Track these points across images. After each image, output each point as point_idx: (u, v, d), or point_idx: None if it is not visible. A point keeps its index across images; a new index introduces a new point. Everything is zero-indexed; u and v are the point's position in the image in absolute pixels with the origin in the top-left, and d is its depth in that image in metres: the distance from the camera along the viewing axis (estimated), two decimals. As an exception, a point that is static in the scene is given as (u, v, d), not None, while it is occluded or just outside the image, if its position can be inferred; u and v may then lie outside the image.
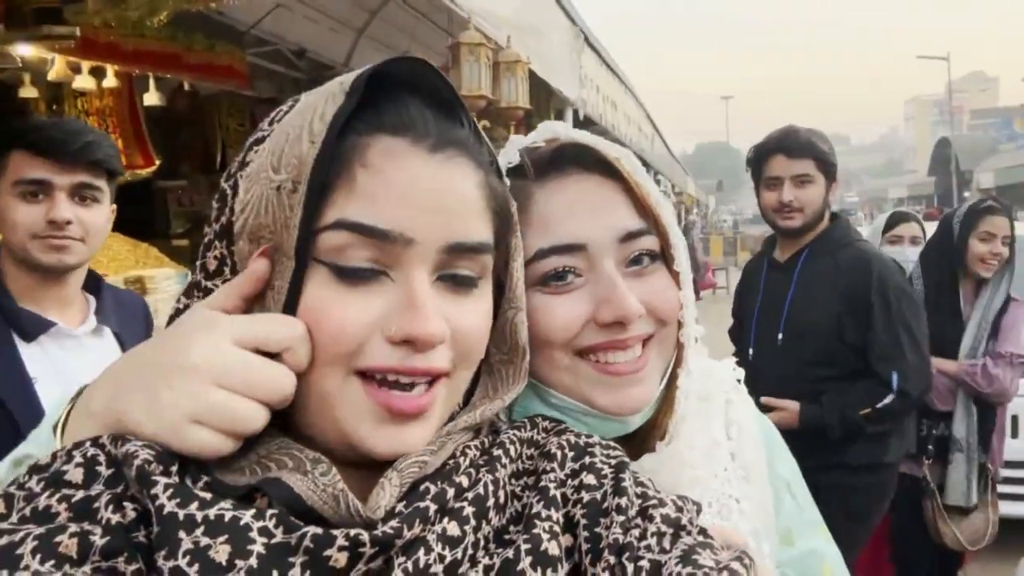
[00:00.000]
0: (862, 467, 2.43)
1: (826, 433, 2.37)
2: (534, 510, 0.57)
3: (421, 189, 0.54)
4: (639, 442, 0.79)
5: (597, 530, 0.57)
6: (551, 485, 0.59)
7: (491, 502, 0.57)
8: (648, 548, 0.55)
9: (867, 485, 2.46)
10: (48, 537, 0.47)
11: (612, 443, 0.64)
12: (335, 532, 0.49)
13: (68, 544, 0.47)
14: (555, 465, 0.61)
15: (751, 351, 2.62)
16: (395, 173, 0.54)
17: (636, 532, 0.56)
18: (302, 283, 0.55)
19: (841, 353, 2.43)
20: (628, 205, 0.75)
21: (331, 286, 0.54)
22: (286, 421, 0.58)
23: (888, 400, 2.37)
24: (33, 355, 1.51)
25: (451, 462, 0.59)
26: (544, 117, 6.51)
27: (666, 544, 0.56)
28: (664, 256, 0.78)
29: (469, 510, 0.55)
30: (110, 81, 5.18)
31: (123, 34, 4.28)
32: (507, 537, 0.57)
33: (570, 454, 0.62)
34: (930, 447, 3.06)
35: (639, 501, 0.59)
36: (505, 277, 0.65)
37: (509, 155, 0.78)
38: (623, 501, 0.58)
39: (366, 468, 0.58)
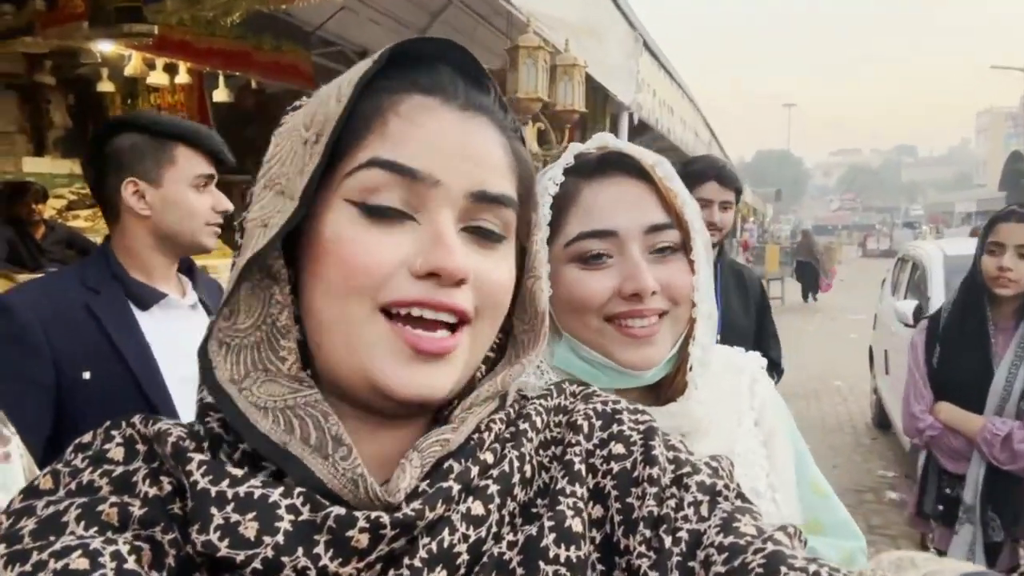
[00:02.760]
0: None
1: None
2: (559, 485, 0.58)
3: (450, 139, 0.56)
4: (663, 397, 0.97)
5: (629, 500, 0.57)
6: (576, 459, 0.59)
7: (516, 478, 0.57)
8: (686, 519, 0.55)
9: None
10: (91, 506, 0.50)
11: (640, 407, 0.66)
12: (357, 514, 0.50)
13: (109, 513, 0.50)
14: (581, 437, 0.61)
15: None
16: (427, 122, 0.56)
17: (672, 503, 0.56)
18: (316, 225, 0.56)
19: None
20: (657, 204, 0.94)
21: (359, 222, 0.55)
22: (315, 368, 0.58)
23: (776, 378, 2.87)
24: (147, 323, 1.63)
25: (475, 437, 0.59)
26: (599, 120, 6.54)
27: (704, 512, 0.56)
28: (685, 248, 0.95)
29: (494, 488, 0.55)
30: (182, 77, 5.40)
31: (196, 33, 4.46)
32: (534, 511, 0.58)
33: (597, 423, 0.63)
34: (940, 507, 2.66)
35: (672, 467, 0.59)
36: (527, 248, 0.66)
37: (567, 158, 0.97)
38: (654, 471, 0.58)
39: (394, 426, 0.58)
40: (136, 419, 0.56)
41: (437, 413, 0.61)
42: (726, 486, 0.59)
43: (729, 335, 2.88)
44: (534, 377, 0.93)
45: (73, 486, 0.53)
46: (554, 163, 0.98)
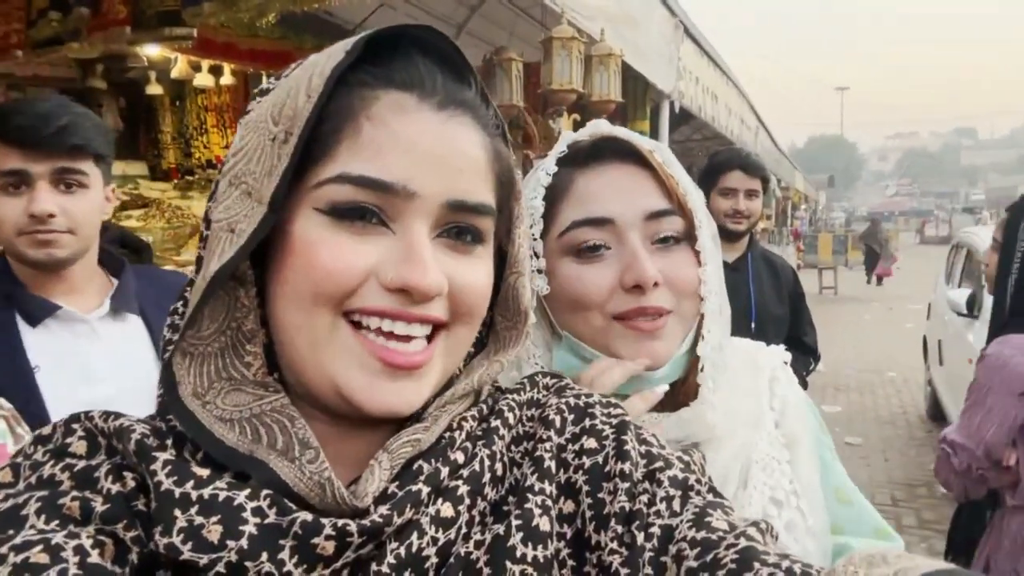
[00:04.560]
0: None
1: None
2: (527, 483, 0.56)
3: (426, 145, 0.54)
4: (677, 400, 0.89)
5: (600, 495, 0.56)
6: (546, 455, 0.58)
7: (487, 477, 0.56)
8: (658, 514, 0.54)
9: None
10: (52, 500, 0.49)
11: (613, 400, 0.65)
12: (324, 520, 0.49)
13: (71, 507, 0.49)
14: (552, 432, 0.60)
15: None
16: (400, 127, 0.53)
17: (644, 498, 0.55)
18: (285, 229, 0.54)
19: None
20: (656, 190, 0.87)
21: (329, 227, 0.53)
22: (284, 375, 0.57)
23: (812, 365, 3.16)
24: (40, 341, 1.43)
25: (446, 436, 0.57)
26: (639, 110, 6.47)
27: (676, 506, 0.55)
28: (690, 238, 0.88)
29: (464, 488, 0.54)
30: (227, 79, 5.51)
31: (239, 35, 4.55)
32: (504, 509, 0.56)
33: (570, 417, 0.61)
34: None
35: (644, 462, 0.58)
36: (508, 246, 0.65)
37: (560, 147, 0.91)
38: (626, 466, 0.57)
39: (363, 429, 0.57)
40: (95, 413, 0.55)
41: None
42: (698, 480, 0.58)
43: (764, 325, 2.94)
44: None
45: (33, 479, 0.52)
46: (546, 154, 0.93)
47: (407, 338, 0.54)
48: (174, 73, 5.24)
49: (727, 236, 2.91)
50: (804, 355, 3.08)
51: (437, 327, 0.56)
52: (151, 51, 4.49)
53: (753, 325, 2.96)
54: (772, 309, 3.01)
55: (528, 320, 0.64)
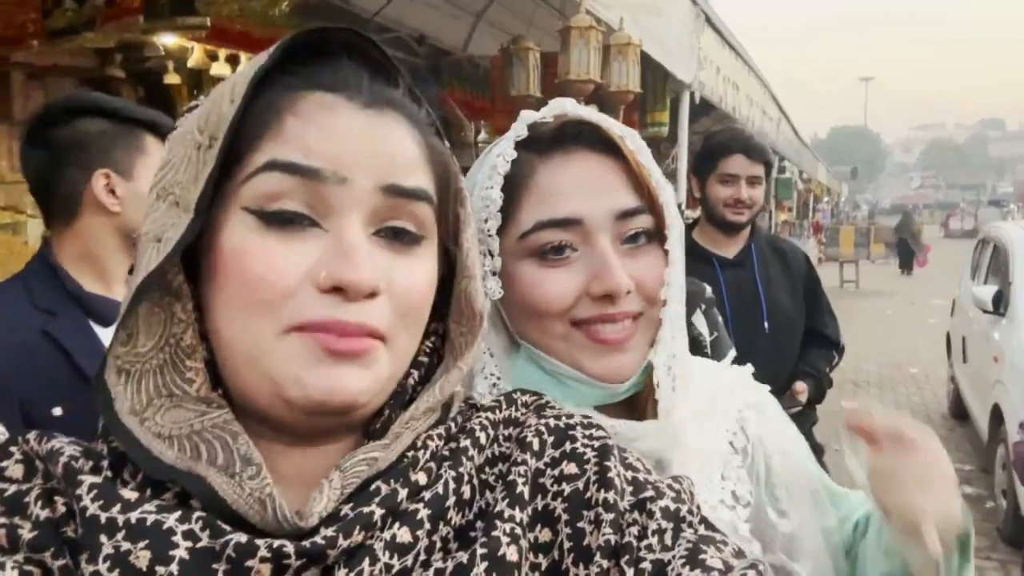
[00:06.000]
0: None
1: (820, 396, 2.76)
2: (497, 508, 0.53)
3: (354, 135, 0.53)
4: (639, 412, 0.84)
5: (580, 525, 0.54)
6: (519, 480, 0.55)
7: (451, 501, 0.53)
8: (649, 548, 0.52)
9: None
10: None
11: (595, 422, 0.61)
12: (259, 542, 0.46)
13: None
14: (528, 455, 0.57)
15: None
16: (327, 120, 0.53)
17: (635, 530, 0.53)
18: (214, 238, 0.52)
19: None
20: (627, 184, 0.79)
21: (258, 232, 0.51)
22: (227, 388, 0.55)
23: (836, 358, 2.85)
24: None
25: (409, 455, 0.55)
26: (659, 100, 6.41)
27: (667, 540, 0.53)
28: (660, 236, 0.81)
29: (424, 512, 0.51)
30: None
31: (255, 23, 4.52)
32: (472, 535, 0.54)
33: (550, 439, 0.58)
34: None
35: (631, 490, 0.56)
36: (455, 251, 0.62)
37: (518, 129, 0.81)
38: (610, 495, 0.54)
39: (315, 445, 0.55)
40: (31, 436, 0.53)
41: (367, 428, 0.57)
42: (690, 511, 0.55)
43: (779, 324, 2.71)
44: (490, 396, 0.86)
45: None
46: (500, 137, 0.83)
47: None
48: (191, 62, 5.23)
49: (727, 228, 2.67)
50: (826, 349, 2.82)
51: (376, 339, 0.53)
52: (168, 40, 4.48)
53: (767, 325, 2.69)
54: (786, 305, 2.72)
55: (482, 323, 0.62)
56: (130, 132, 1.44)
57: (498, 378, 0.81)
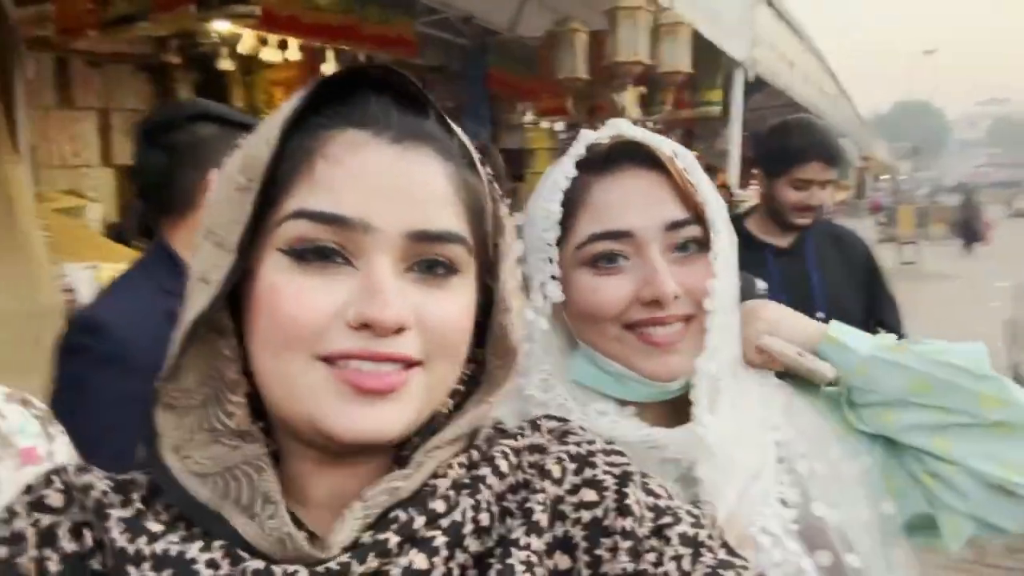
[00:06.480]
0: None
1: None
2: (513, 535, 0.54)
3: (381, 177, 0.54)
4: (686, 414, 0.86)
5: (598, 552, 0.54)
6: (537, 507, 0.56)
7: (469, 528, 0.54)
8: (666, 575, 0.53)
9: None
10: (11, 556, 0.52)
11: (617, 448, 0.62)
12: (275, 568, 0.49)
13: (28, 567, 0.51)
14: (547, 483, 0.58)
15: None
16: (354, 162, 0.54)
17: (651, 557, 0.53)
18: (253, 276, 0.55)
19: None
20: (675, 198, 0.84)
21: (290, 271, 0.53)
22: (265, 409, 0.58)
23: None
24: None
25: (431, 483, 0.56)
26: (712, 79, 6.27)
27: (685, 566, 0.53)
28: (709, 245, 0.86)
29: (441, 540, 0.52)
30: (293, 53, 5.56)
31: (304, 8, 4.57)
32: (490, 561, 0.54)
33: (571, 467, 0.59)
34: None
35: (651, 516, 0.56)
36: (493, 282, 0.63)
37: (578, 148, 0.88)
38: (627, 523, 0.54)
39: (348, 466, 0.57)
40: (70, 468, 0.56)
41: (398, 448, 0.58)
42: (709, 536, 0.55)
43: (830, 311, 2.61)
44: (539, 391, 0.87)
45: (6, 532, 0.53)
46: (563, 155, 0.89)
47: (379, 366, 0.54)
48: (241, 48, 5.31)
49: (787, 227, 2.57)
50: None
51: (411, 365, 0.54)
52: (221, 27, 4.56)
53: (821, 316, 2.58)
54: (842, 294, 2.57)
55: (517, 356, 0.63)
56: (236, 135, 1.56)
57: (549, 374, 0.88)
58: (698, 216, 0.84)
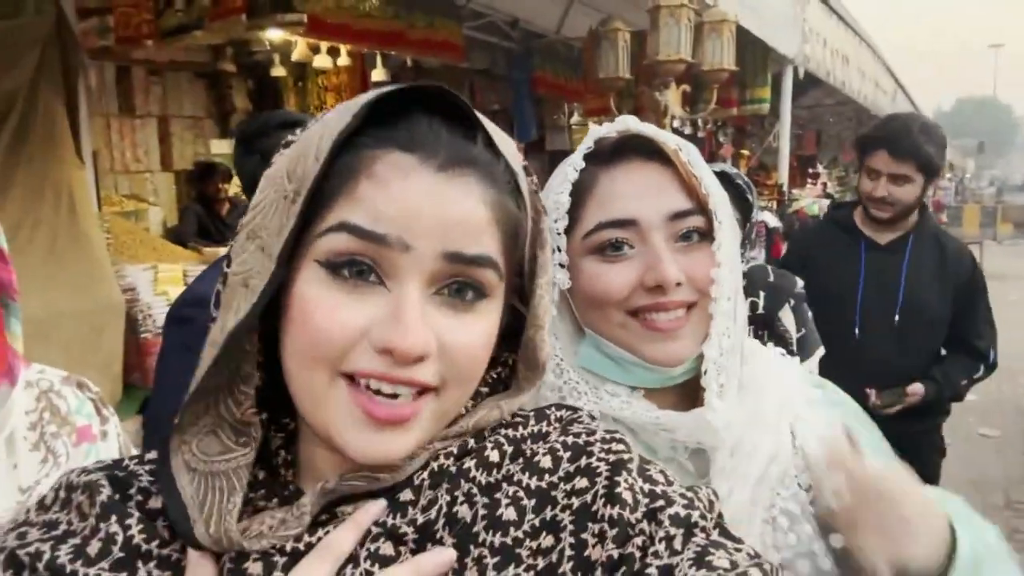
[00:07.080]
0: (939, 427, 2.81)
1: (939, 404, 2.68)
2: (474, 529, 0.56)
3: (422, 203, 0.55)
4: (699, 403, 0.87)
5: (583, 536, 0.55)
6: (504, 501, 0.57)
7: (441, 523, 0.56)
8: (656, 555, 0.53)
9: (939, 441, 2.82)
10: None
11: (617, 436, 0.62)
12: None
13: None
14: (525, 476, 0.58)
15: (856, 333, 2.63)
16: (398, 188, 0.55)
17: (639, 541, 0.53)
18: (290, 284, 0.56)
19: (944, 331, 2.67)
20: (679, 189, 0.87)
21: (326, 284, 0.55)
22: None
23: (980, 372, 2.68)
24: None
25: (416, 475, 0.58)
26: (759, 76, 6.18)
27: (676, 545, 0.53)
28: (713, 236, 0.88)
29: (408, 529, 0.56)
30: (343, 60, 5.69)
31: (353, 16, 4.66)
32: (465, 562, 0.56)
33: (566, 455, 0.59)
34: None
35: (646, 502, 0.56)
36: (529, 296, 0.64)
37: (587, 142, 0.91)
38: (614, 511, 0.55)
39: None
40: (75, 471, 0.63)
41: None
42: (703, 516, 0.55)
43: (911, 320, 2.56)
44: (552, 375, 0.89)
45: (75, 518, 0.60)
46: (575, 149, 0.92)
47: (394, 395, 0.56)
48: (294, 56, 5.45)
49: (873, 220, 2.60)
50: (971, 360, 2.67)
51: (425, 390, 0.56)
52: (273, 35, 4.69)
53: (897, 318, 2.58)
54: (927, 302, 2.58)
55: (543, 373, 0.65)
56: None
57: (560, 359, 0.90)
58: (702, 207, 0.86)
